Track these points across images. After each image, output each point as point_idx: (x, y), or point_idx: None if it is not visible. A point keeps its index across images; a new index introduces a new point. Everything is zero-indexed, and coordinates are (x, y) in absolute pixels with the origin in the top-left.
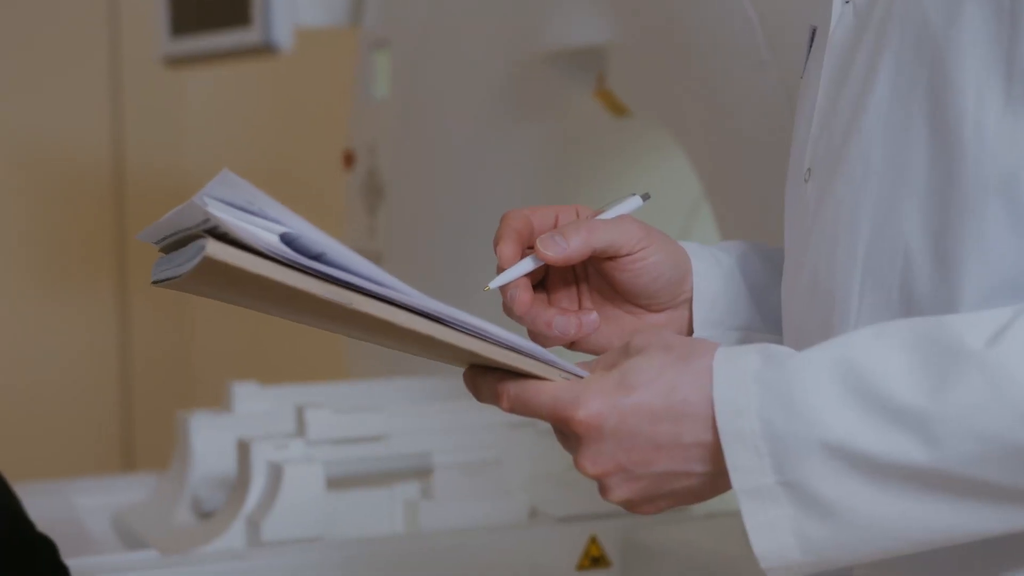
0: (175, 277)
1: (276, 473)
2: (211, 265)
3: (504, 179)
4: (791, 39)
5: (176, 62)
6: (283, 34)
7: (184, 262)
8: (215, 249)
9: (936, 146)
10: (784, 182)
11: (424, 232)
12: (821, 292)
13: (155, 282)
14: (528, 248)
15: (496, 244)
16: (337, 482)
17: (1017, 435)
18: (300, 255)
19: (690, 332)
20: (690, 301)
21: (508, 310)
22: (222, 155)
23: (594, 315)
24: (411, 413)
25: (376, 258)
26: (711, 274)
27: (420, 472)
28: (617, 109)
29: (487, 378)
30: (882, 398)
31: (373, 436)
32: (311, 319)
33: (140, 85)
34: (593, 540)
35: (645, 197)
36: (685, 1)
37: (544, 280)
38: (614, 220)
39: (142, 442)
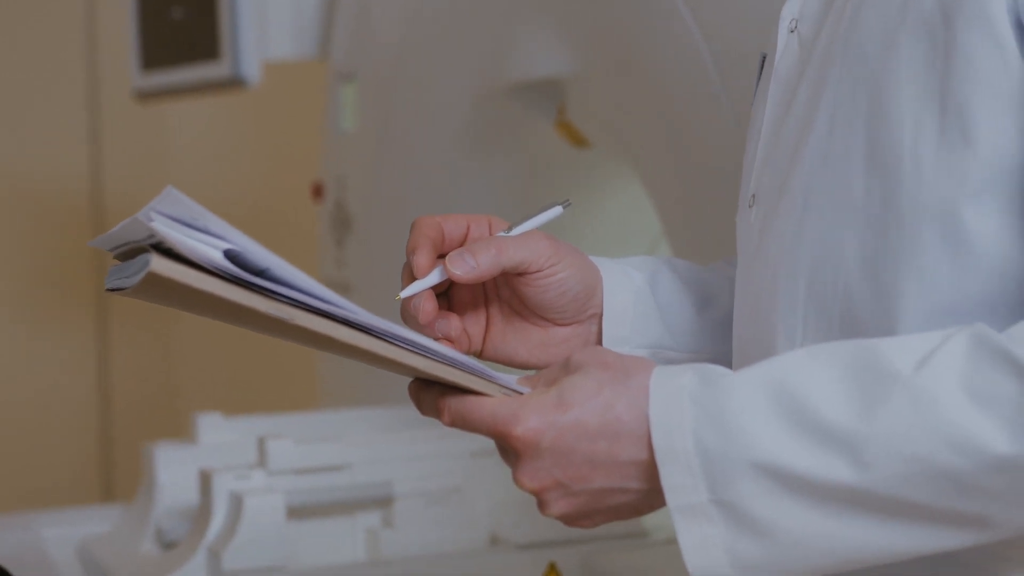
0: (124, 288)
1: (237, 503)
2: (156, 280)
3: (468, 210)
4: (742, 70)
5: (147, 96)
6: (251, 68)
7: (132, 274)
8: (159, 265)
9: (873, 176)
10: (737, 212)
11: (391, 263)
12: (763, 317)
13: (108, 290)
14: (440, 256)
15: (411, 253)
16: (299, 511)
17: (941, 457)
18: (243, 271)
19: None
20: (598, 316)
21: (409, 318)
22: (200, 185)
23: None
24: (372, 442)
25: (344, 288)
26: (620, 291)
27: (381, 501)
28: (578, 140)
29: (430, 392)
30: (813, 419)
31: (334, 466)
32: (258, 329)
33: (118, 116)
34: (552, 567)
35: (565, 204)
36: (640, 34)
37: (450, 288)
38: (523, 237)
39: (122, 473)
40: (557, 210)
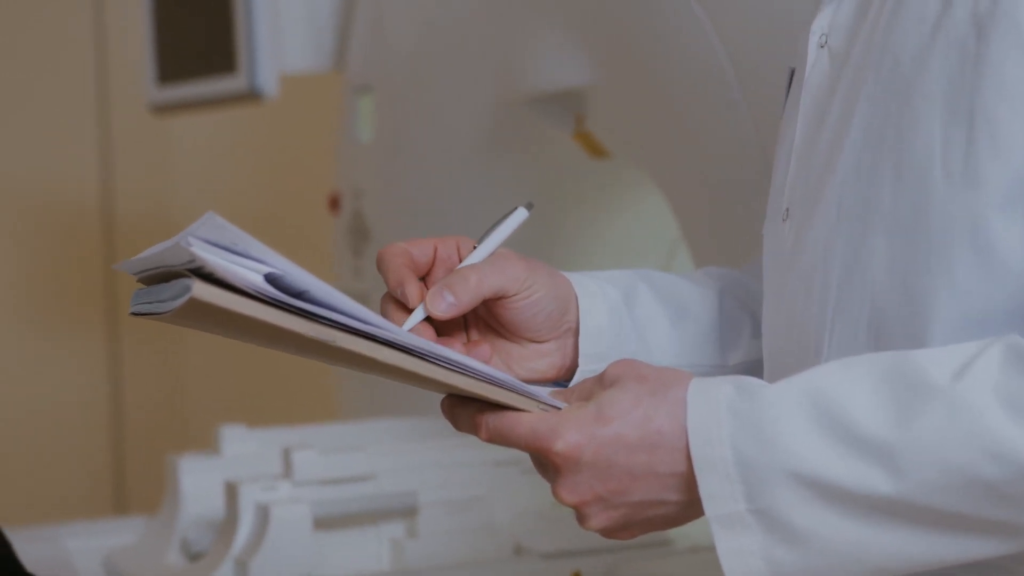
0: (158, 313)
1: (263, 514)
2: (197, 305)
3: (486, 220)
4: (763, 80)
5: (163, 110)
6: (269, 81)
7: (169, 299)
8: (201, 291)
9: (902, 188)
10: (758, 220)
11: None
12: (797, 327)
13: (134, 313)
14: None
15: (398, 287)
16: (324, 522)
17: (978, 468)
18: (284, 294)
19: (575, 360)
20: (573, 331)
21: None
22: (210, 199)
23: (484, 347)
24: (396, 453)
25: (363, 299)
26: (596, 308)
27: (406, 511)
28: (596, 151)
29: (466, 408)
30: (850, 429)
31: (359, 476)
32: (296, 352)
33: (128, 130)
34: (577, 575)
35: (528, 207)
36: (660, 45)
37: None
38: (498, 264)
39: (134, 485)
40: (522, 214)
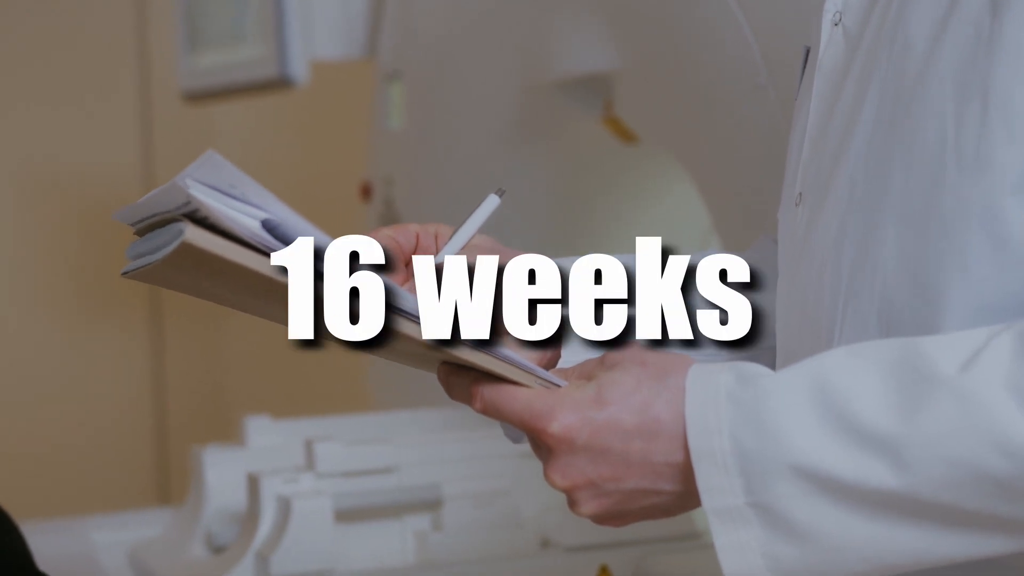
0: (147, 265)
1: (285, 507)
2: (188, 252)
3: (516, 207)
4: (789, 62)
5: (196, 98)
6: (299, 68)
7: (160, 247)
8: (193, 235)
9: (913, 172)
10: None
11: None
12: (809, 315)
13: (125, 274)
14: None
15: None
16: (347, 515)
17: (987, 462)
18: (280, 243)
19: (557, 351)
20: None
21: None
22: None
23: None
24: (420, 444)
25: None
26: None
27: (430, 503)
28: (625, 135)
29: (462, 377)
30: (854, 422)
31: (382, 468)
32: (285, 315)
33: (168, 118)
34: (604, 569)
35: (500, 193)
36: (687, 28)
37: None
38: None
39: (177, 475)
40: (494, 201)
